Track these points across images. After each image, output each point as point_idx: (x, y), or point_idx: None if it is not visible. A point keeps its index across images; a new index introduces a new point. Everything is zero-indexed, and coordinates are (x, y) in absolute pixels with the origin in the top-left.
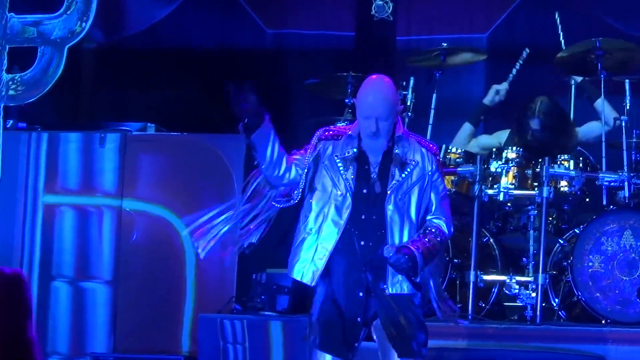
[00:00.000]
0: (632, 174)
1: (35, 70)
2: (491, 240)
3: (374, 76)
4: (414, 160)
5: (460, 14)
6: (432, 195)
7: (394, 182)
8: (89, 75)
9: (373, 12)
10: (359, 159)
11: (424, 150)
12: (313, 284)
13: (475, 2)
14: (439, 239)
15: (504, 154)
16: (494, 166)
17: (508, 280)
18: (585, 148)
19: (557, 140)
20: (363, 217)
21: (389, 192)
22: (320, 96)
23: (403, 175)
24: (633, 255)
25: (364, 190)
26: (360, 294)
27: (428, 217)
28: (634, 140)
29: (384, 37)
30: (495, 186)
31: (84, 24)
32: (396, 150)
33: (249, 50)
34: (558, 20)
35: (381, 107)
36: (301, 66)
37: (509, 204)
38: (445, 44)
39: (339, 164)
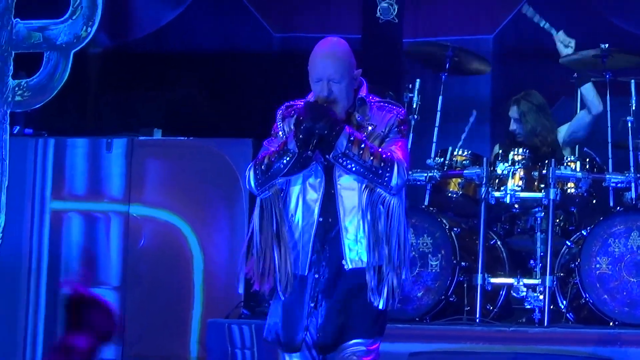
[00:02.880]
0: (638, 175)
1: (42, 75)
2: (498, 242)
3: (327, 38)
4: (371, 124)
5: (466, 15)
6: (384, 145)
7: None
8: (95, 80)
9: (378, 14)
10: None
11: (384, 113)
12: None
13: (481, 3)
14: (383, 156)
15: (510, 156)
16: (500, 168)
17: (515, 283)
18: (591, 149)
19: (535, 130)
20: (332, 191)
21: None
22: None
23: None
24: None
25: (322, 161)
26: (315, 275)
27: None
28: None
29: (389, 40)
30: (502, 188)
31: (89, 29)
32: (356, 115)
33: (256, 54)
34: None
35: (332, 68)
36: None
37: (515, 206)
38: (448, 44)
39: None
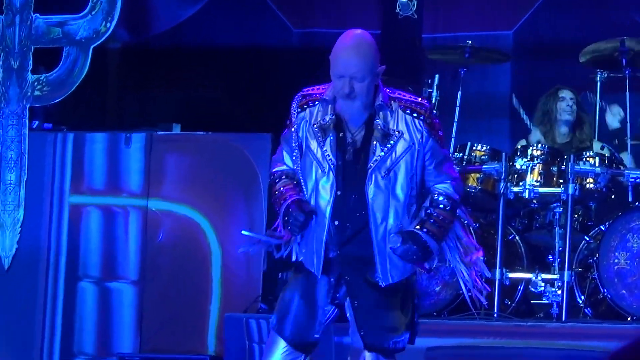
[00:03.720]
0: None
1: (61, 70)
2: (517, 237)
3: (352, 31)
4: (397, 131)
5: (486, 11)
6: (427, 164)
7: (375, 158)
8: (114, 75)
9: (397, 10)
10: (337, 127)
11: (408, 117)
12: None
13: None
14: (448, 208)
15: (529, 151)
16: (519, 163)
17: (534, 278)
18: (610, 145)
19: (579, 134)
20: (339, 193)
21: (369, 170)
22: None
23: (385, 149)
24: None
25: (339, 163)
26: (332, 279)
27: (430, 184)
28: None
29: (408, 35)
30: (520, 183)
31: (108, 24)
32: (377, 121)
33: (275, 49)
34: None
35: (355, 66)
36: (327, 65)
37: (534, 202)
38: (470, 42)
39: (319, 135)
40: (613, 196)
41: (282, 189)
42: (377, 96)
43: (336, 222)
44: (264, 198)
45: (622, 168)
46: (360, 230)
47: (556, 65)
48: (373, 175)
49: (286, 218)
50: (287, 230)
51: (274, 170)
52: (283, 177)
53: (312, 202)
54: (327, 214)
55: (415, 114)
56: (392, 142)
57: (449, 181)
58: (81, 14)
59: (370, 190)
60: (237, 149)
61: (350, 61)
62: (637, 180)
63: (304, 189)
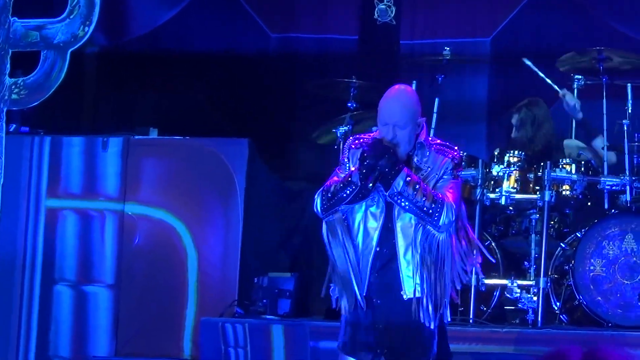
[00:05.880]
0: (633, 178)
1: (38, 74)
2: (493, 244)
3: (397, 85)
4: (428, 166)
5: (464, 18)
6: (439, 185)
7: None
8: (92, 79)
9: (376, 16)
10: None
11: (440, 157)
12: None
13: (479, 6)
14: (434, 197)
15: (505, 158)
16: (495, 170)
17: (510, 284)
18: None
19: (533, 140)
20: (382, 223)
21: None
22: (323, 100)
23: None
24: (634, 259)
25: (384, 193)
26: (378, 301)
27: None
28: (636, 144)
29: (387, 41)
30: (497, 190)
31: (86, 28)
32: (415, 158)
33: (253, 54)
34: (530, 64)
35: (398, 115)
36: (304, 70)
37: (510, 208)
38: (447, 49)
39: None
40: (589, 203)
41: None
42: (417, 139)
43: (377, 248)
44: (240, 202)
45: (598, 175)
46: (391, 257)
47: (533, 72)
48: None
49: (365, 155)
50: (363, 173)
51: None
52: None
53: (361, 228)
54: (375, 239)
55: (445, 155)
56: (421, 175)
57: (446, 195)
58: (59, 18)
59: (397, 216)
60: (214, 153)
61: (393, 110)
62: (613, 188)
63: (353, 218)
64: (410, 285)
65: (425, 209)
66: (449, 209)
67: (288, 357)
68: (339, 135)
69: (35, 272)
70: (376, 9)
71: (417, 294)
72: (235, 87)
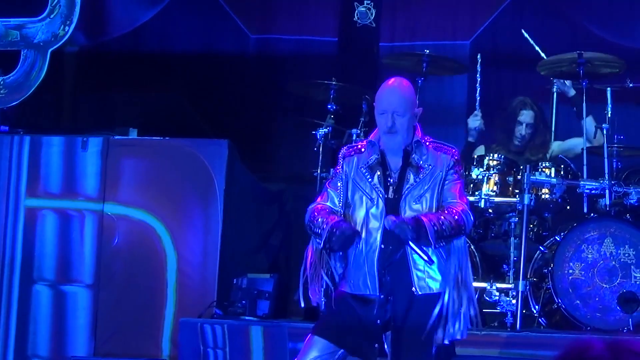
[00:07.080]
0: (613, 182)
1: (18, 73)
2: (472, 247)
3: (393, 78)
4: (429, 164)
5: (444, 20)
6: (445, 188)
7: (407, 185)
8: (72, 79)
9: (356, 18)
10: (382, 164)
11: (440, 154)
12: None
13: (459, 9)
14: (456, 217)
15: (485, 161)
16: (475, 173)
17: (488, 287)
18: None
19: (538, 145)
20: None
21: (403, 196)
22: (303, 101)
23: (417, 179)
24: (613, 263)
25: (387, 195)
26: (381, 296)
27: (444, 203)
28: (615, 147)
29: (366, 43)
30: (476, 193)
31: (67, 28)
32: (413, 156)
33: (232, 55)
34: (528, 37)
35: (397, 102)
36: (284, 71)
37: (490, 211)
38: (427, 51)
39: (366, 174)
40: (568, 207)
41: (325, 215)
42: (414, 135)
43: (382, 246)
44: (219, 203)
45: (578, 179)
46: (400, 252)
47: (513, 76)
48: (406, 200)
49: (334, 230)
50: (326, 247)
51: (317, 202)
52: (326, 208)
53: (364, 229)
54: (378, 239)
55: (445, 152)
56: (423, 173)
57: (459, 202)
58: (40, 17)
59: (404, 214)
60: (193, 154)
61: (392, 98)
62: (593, 192)
63: (354, 221)
64: (422, 281)
65: (454, 231)
66: (469, 215)
67: (267, 358)
68: (318, 137)
69: (14, 272)
70: (356, 11)
71: (429, 290)
72: (215, 88)
